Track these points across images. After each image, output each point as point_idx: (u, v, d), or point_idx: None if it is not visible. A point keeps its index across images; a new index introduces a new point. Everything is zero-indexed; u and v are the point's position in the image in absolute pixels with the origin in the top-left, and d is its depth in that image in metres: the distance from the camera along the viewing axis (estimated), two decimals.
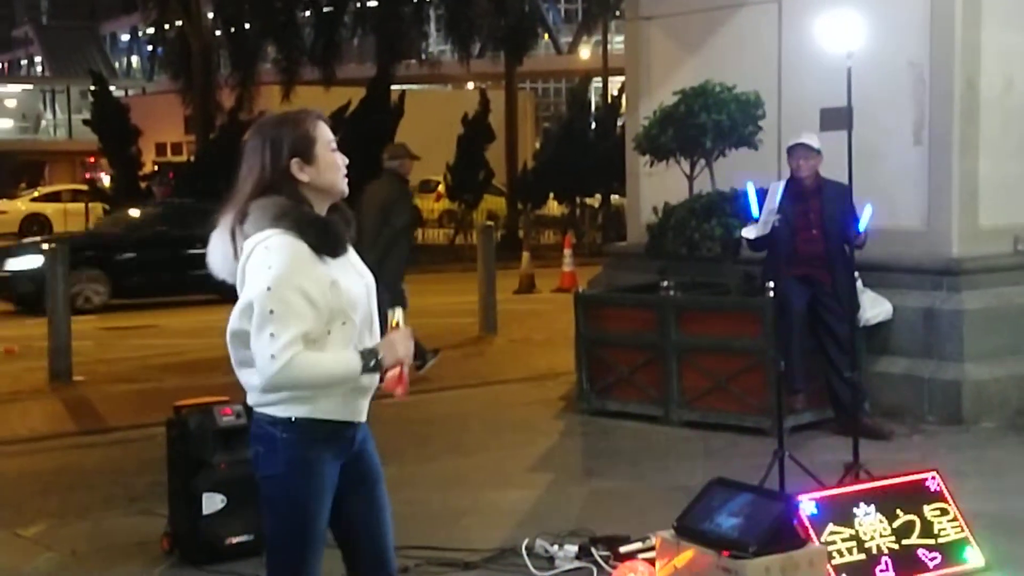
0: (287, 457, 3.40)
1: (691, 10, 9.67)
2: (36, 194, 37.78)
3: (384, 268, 8.31)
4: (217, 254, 3.45)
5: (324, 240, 3.36)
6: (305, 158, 3.40)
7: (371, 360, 3.34)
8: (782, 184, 6.80)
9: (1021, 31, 8.55)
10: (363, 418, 3.52)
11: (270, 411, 3.40)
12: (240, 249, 3.37)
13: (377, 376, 3.40)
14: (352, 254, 3.49)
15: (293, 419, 3.37)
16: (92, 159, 43.52)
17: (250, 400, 3.47)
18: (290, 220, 3.32)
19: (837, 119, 8.34)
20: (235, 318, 3.36)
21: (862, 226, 6.95)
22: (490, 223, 19.25)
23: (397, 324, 3.49)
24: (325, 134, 3.46)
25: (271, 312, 3.22)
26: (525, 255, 19.50)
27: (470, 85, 45.18)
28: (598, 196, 29.01)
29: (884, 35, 8.31)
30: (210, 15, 33.29)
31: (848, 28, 6.35)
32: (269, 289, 3.23)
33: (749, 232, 6.97)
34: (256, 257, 3.30)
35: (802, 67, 8.55)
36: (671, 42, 9.88)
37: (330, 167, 3.44)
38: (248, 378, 3.43)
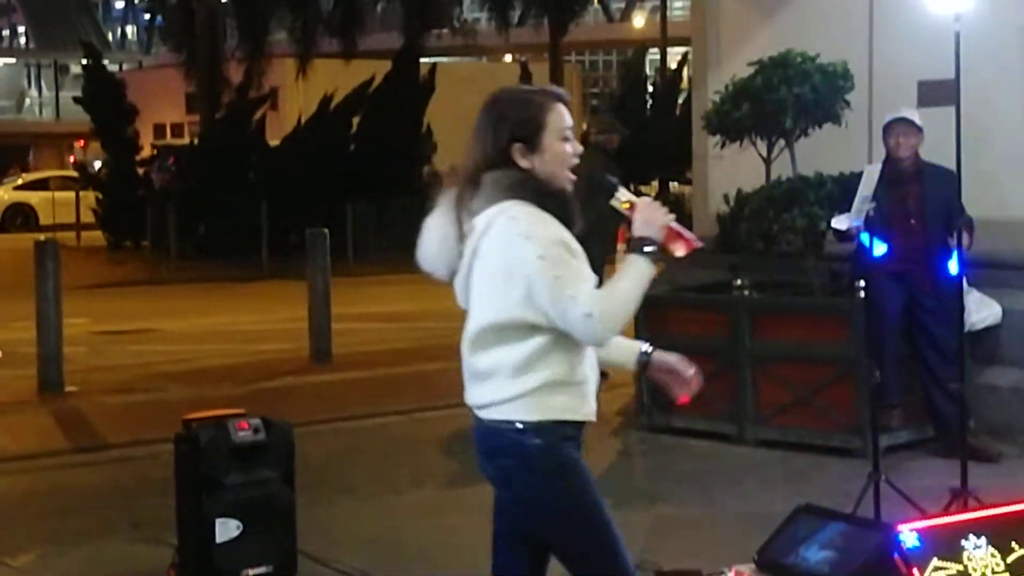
0: (547, 465, 3.50)
1: None
2: (19, 181, 38.00)
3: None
4: (433, 241, 3.55)
5: (562, 212, 3.49)
6: (529, 145, 3.51)
7: (644, 246, 3.44)
8: (878, 167, 6.76)
9: None
10: (595, 418, 3.64)
11: (515, 417, 3.48)
12: (467, 228, 3.48)
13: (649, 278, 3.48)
14: None
15: (540, 422, 3.47)
16: (82, 142, 43.97)
17: (487, 414, 3.53)
18: (528, 190, 3.46)
19: (940, 93, 8.30)
20: (491, 308, 3.45)
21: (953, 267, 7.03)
22: None
23: (630, 203, 3.55)
24: (558, 121, 3.53)
25: (557, 277, 3.35)
26: None
27: (508, 57, 45.36)
28: (655, 183, 29.04)
29: None
30: None
31: None
32: (542, 257, 3.35)
33: (840, 223, 6.93)
34: (499, 229, 3.42)
35: (897, 34, 8.53)
36: (743, 6, 9.88)
37: (555, 158, 3.53)
38: (483, 390, 3.53)
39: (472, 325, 3.51)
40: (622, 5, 54.36)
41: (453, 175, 3.63)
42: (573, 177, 3.57)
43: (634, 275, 3.44)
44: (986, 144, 8.30)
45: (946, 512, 5.63)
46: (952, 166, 7.91)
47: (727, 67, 9.32)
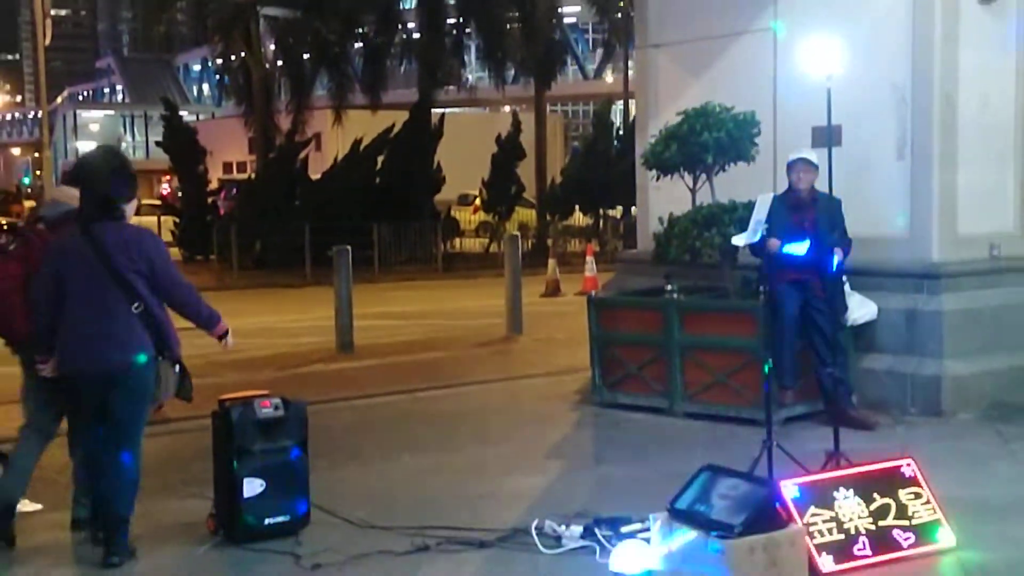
0: None
1: (694, 38, 9.63)
2: None
3: None
4: None
5: None
6: None
7: None
8: (770, 197, 6.77)
9: (995, 52, 8.48)
10: None
11: None
12: None
13: None
14: None
15: None
16: (167, 177, 43.94)
17: None
18: None
19: (826, 136, 8.33)
20: None
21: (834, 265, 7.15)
22: (516, 233, 19.27)
23: None
24: None
25: None
26: (551, 262, 19.52)
27: (506, 108, 45.30)
28: (620, 208, 29.00)
29: (869, 59, 8.29)
30: (271, 46, 33.59)
31: (828, 53, 6.32)
32: None
33: (739, 240, 6.94)
34: None
35: (794, 89, 8.46)
36: (676, 68, 9.85)
37: None
38: None
39: None
40: (594, 66, 54.20)
41: None
42: None
43: None
44: (864, 176, 8.33)
45: (822, 470, 5.65)
46: (838, 193, 7.97)
47: (663, 116, 9.28)
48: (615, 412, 8.45)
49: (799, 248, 7.12)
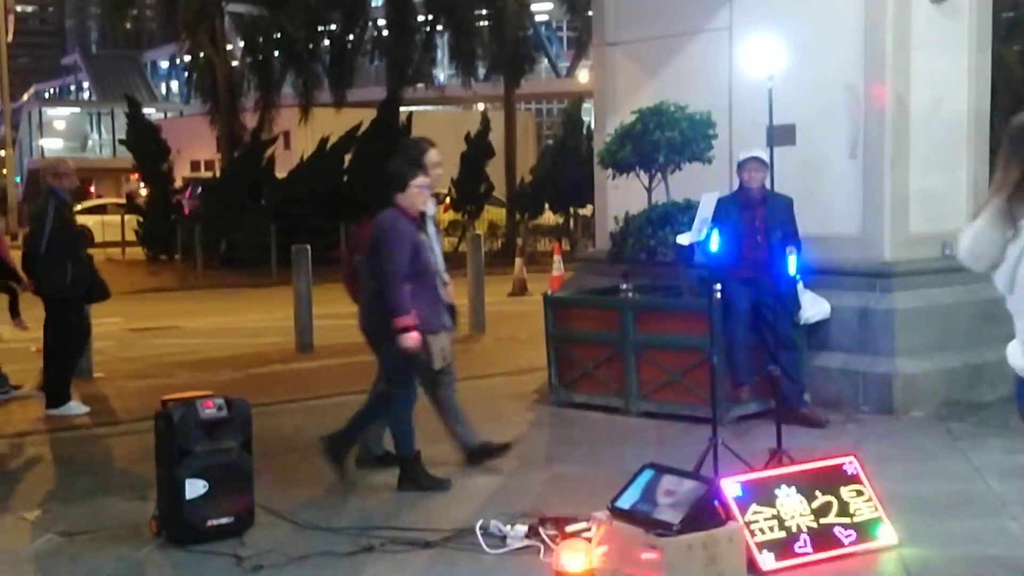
0: None
1: (651, 37, 9.65)
2: (81, 206, 37.71)
3: None
4: (983, 243, 3.41)
5: None
6: None
7: None
8: (715, 196, 6.82)
9: (946, 55, 8.56)
10: None
11: None
12: (1009, 234, 3.34)
13: None
14: None
15: None
16: (135, 175, 43.66)
17: None
18: None
19: (782, 136, 8.41)
20: None
21: (791, 270, 7.25)
22: (479, 233, 19.29)
23: None
24: None
25: None
26: (518, 261, 19.57)
27: (480, 106, 45.27)
28: (590, 207, 28.99)
29: (823, 60, 8.39)
30: (240, 43, 33.43)
31: (770, 53, 6.38)
32: None
33: (683, 239, 7.00)
34: None
35: (750, 88, 8.53)
36: (634, 66, 9.86)
37: None
38: None
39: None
40: (567, 64, 54.15)
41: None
42: None
43: None
44: (818, 176, 8.41)
45: (764, 468, 5.70)
46: (792, 192, 8.04)
47: (620, 115, 9.28)
48: (571, 411, 8.48)
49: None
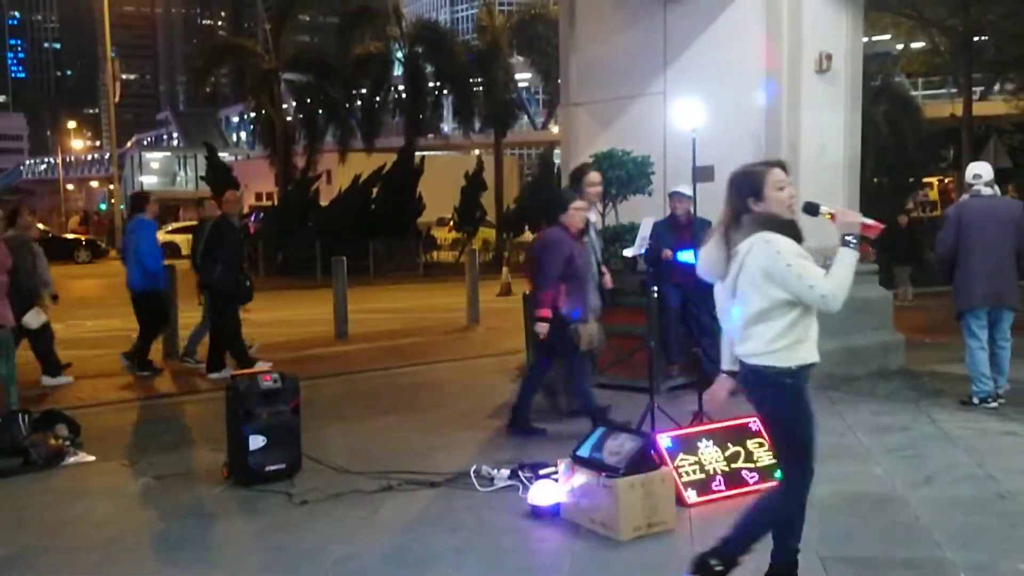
0: (792, 396, 3.38)
1: (604, 99, 9.67)
2: (172, 227, 37.54)
3: None
4: (710, 261, 3.47)
5: (792, 233, 3.37)
6: (757, 196, 3.40)
7: (847, 240, 3.32)
8: (650, 221, 6.82)
9: (828, 112, 8.59)
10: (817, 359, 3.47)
11: (774, 363, 3.36)
12: (731, 252, 3.37)
13: (855, 260, 3.32)
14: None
15: (794, 367, 3.35)
16: (213, 203, 43.33)
17: (754, 361, 3.41)
18: (770, 223, 3.36)
19: (703, 174, 8.39)
20: (758, 298, 3.34)
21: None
22: (475, 248, 19.28)
23: (831, 214, 3.42)
24: (773, 179, 3.41)
25: (800, 276, 3.26)
26: (504, 269, 19.53)
27: (474, 152, 45.17)
28: None
29: (734, 116, 8.39)
30: (293, 103, 33.31)
31: (693, 111, 6.40)
32: (789, 265, 3.27)
33: (628, 252, 6.99)
34: (759, 250, 3.32)
35: (679, 138, 8.51)
36: (592, 121, 9.86)
37: (776, 203, 3.41)
38: (744, 345, 3.43)
39: (744, 311, 3.39)
40: (542, 119, 54.09)
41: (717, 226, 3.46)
42: (792, 211, 3.42)
43: (845, 262, 3.29)
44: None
45: (689, 426, 5.72)
46: (712, 218, 8.00)
47: (582, 157, 9.28)
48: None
49: (688, 256, 7.13)
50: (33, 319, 8.23)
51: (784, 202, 3.41)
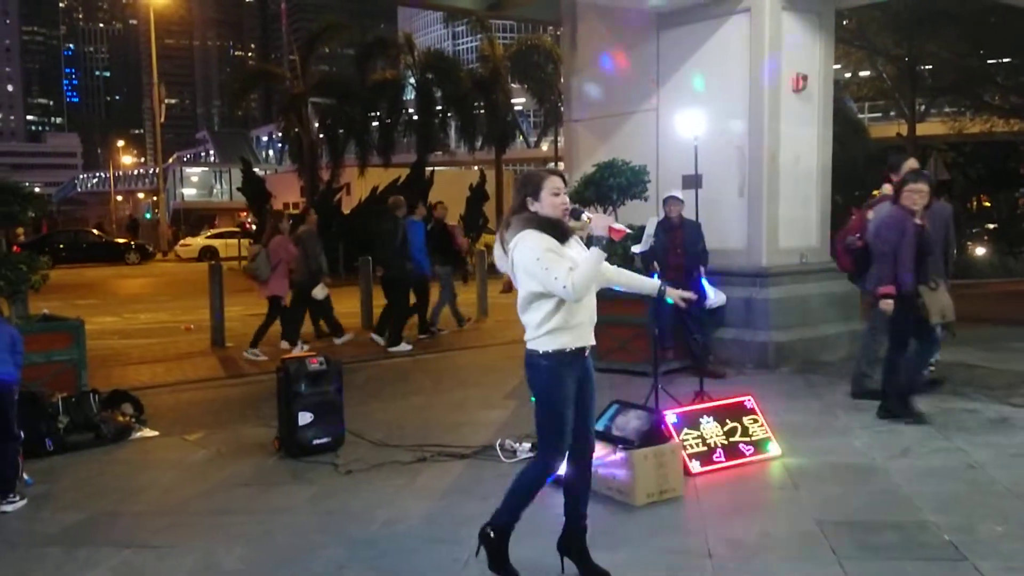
0: (549, 377, 3.36)
1: (603, 115, 9.59)
2: (209, 233, 37.49)
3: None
4: (498, 256, 3.46)
5: (556, 232, 3.34)
6: (535, 197, 3.37)
7: (596, 240, 3.28)
8: (656, 220, 6.71)
9: (803, 126, 8.51)
10: (589, 344, 3.49)
11: (536, 347, 3.36)
12: (507, 247, 3.37)
13: (602, 259, 3.31)
14: (575, 240, 3.46)
15: (551, 351, 3.34)
16: (245, 213, 43.23)
17: (527, 345, 3.41)
18: (535, 223, 3.34)
19: (691, 181, 8.31)
20: (523, 288, 3.36)
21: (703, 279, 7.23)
22: (483, 249, 19.16)
23: (589, 218, 3.39)
24: (551, 184, 3.37)
25: (547, 268, 3.24)
26: None
27: (476, 167, 45.01)
28: None
29: (721, 129, 8.31)
30: (318, 123, 33.14)
31: (695, 121, 6.31)
32: (538, 259, 3.25)
33: (636, 248, 6.89)
34: (519, 245, 3.32)
35: (670, 149, 8.50)
36: (591, 135, 9.79)
37: (550, 205, 3.37)
38: (527, 331, 3.42)
39: (520, 296, 3.40)
40: (535, 138, 53.98)
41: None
42: (565, 215, 3.37)
43: (591, 259, 3.28)
44: (717, 208, 8.34)
45: (691, 404, 5.63)
46: (701, 219, 7.95)
47: (583, 168, 9.22)
48: None
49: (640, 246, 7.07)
50: (320, 292, 9.48)
51: (557, 207, 3.39)
